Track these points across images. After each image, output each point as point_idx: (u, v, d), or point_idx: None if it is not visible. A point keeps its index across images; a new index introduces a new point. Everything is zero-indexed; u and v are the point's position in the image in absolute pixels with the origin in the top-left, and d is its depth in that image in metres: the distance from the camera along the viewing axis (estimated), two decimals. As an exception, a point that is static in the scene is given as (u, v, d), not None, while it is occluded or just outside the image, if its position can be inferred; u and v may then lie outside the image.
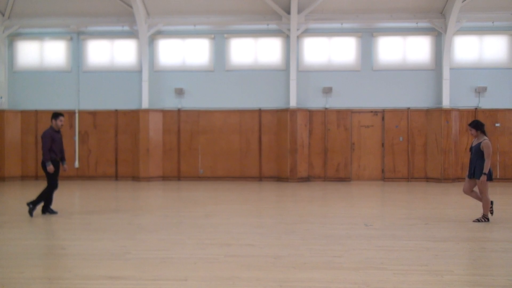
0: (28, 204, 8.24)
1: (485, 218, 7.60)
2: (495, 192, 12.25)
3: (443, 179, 14.43)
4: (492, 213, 7.72)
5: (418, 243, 6.16)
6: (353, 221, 7.74)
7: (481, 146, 7.45)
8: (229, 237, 6.49)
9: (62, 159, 8.72)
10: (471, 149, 7.73)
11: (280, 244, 6.06)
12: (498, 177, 14.65)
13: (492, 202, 7.68)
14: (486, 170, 7.37)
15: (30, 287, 4.40)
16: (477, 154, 7.51)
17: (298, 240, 6.33)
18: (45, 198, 8.46)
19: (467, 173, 7.80)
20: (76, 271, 4.87)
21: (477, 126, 7.65)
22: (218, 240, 6.28)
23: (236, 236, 6.56)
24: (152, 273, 4.82)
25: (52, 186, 8.49)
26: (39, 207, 8.51)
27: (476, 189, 7.76)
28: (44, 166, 8.48)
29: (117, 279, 4.63)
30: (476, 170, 7.51)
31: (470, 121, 7.95)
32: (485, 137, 7.58)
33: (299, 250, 5.77)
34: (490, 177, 7.47)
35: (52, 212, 8.53)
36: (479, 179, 7.47)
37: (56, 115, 8.65)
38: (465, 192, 7.85)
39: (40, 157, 15.26)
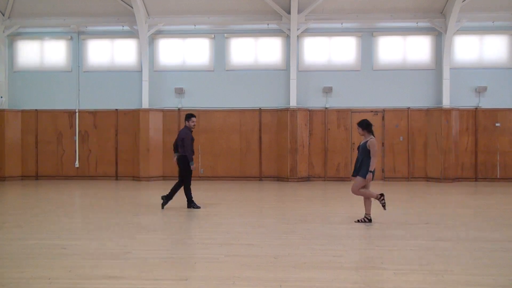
0: (162, 197, 8.96)
1: (367, 218, 7.53)
2: (495, 192, 12.26)
3: (443, 178, 14.43)
4: (384, 207, 7.54)
5: (418, 243, 6.16)
6: (353, 221, 7.73)
7: (367, 145, 7.46)
8: (229, 237, 6.49)
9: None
10: (358, 147, 7.72)
11: (280, 244, 6.06)
12: (498, 177, 14.67)
13: (382, 194, 7.51)
14: (371, 168, 7.35)
15: (30, 287, 4.40)
16: (364, 153, 7.50)
17: (298, 239, 6.33)
18: (187, 194, 9.01)
19: (352, 172, 7.72)
20: (76, 271, 4.87)
21: (365, 125, 7.65)
22: (218, 240, 6.28)
23: (236, 236, 6.55)
24: (152, 273, 4.82)
25: (187, 182, 8.95)
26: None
27: (364, 188, 7.56)
28: (182, 162, 8.89)
29: (117, 279, 4.63)
30: (362, 168, 7.47)
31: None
32: (372, 136, 7.59)
33: (299, 249, 5.77)
34: (372, 176, 7.40)
35: (196, 206, 8.99)
36: (363, 177, 7.41)
37: (188, 116, 9.12)
38: (354, 192, 7.63)
39: (40, 158, 15.55)
